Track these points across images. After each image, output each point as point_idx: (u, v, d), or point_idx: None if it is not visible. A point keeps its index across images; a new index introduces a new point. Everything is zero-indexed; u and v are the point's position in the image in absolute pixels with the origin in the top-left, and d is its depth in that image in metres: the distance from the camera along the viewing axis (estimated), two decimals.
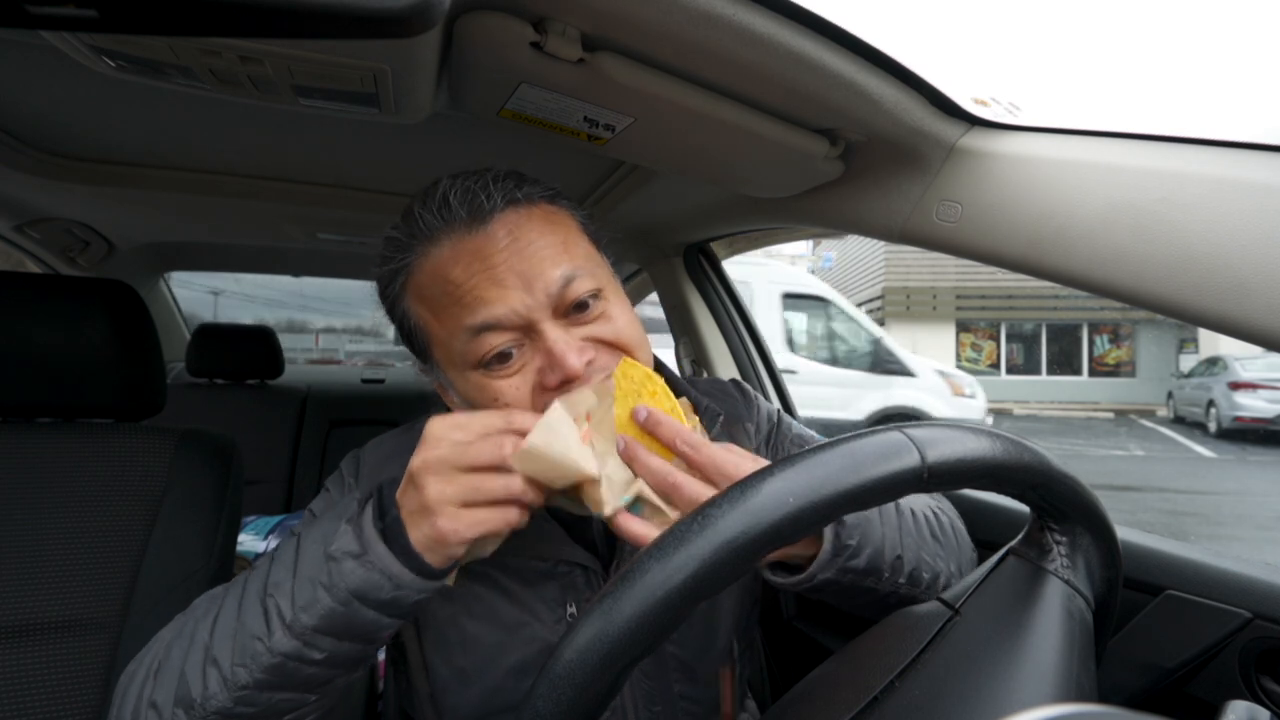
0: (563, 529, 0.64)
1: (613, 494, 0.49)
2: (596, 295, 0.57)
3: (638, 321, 0.62)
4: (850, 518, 0.54)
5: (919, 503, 0.65)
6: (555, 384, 0.54)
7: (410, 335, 0.60)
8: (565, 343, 0.53)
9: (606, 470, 0.49)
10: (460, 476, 0.47)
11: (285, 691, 0.49)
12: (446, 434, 0.48)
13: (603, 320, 0.58)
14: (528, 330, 0.54)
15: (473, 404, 0.58)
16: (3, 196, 1.28)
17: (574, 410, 0.50)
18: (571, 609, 0.63)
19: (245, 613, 0.49)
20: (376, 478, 0.61)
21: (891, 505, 0.59)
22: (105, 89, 0.87)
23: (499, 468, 0.47)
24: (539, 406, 0.53)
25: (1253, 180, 0.54)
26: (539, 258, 0.54)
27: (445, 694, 0.63)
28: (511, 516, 0.48)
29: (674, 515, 0.49)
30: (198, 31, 0.26)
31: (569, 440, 0.47)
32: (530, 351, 0.55)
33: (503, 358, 0.54)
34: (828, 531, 0.53)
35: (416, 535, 0.47)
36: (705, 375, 1.55)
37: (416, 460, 0.48)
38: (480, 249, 0.54)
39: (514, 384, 0.55)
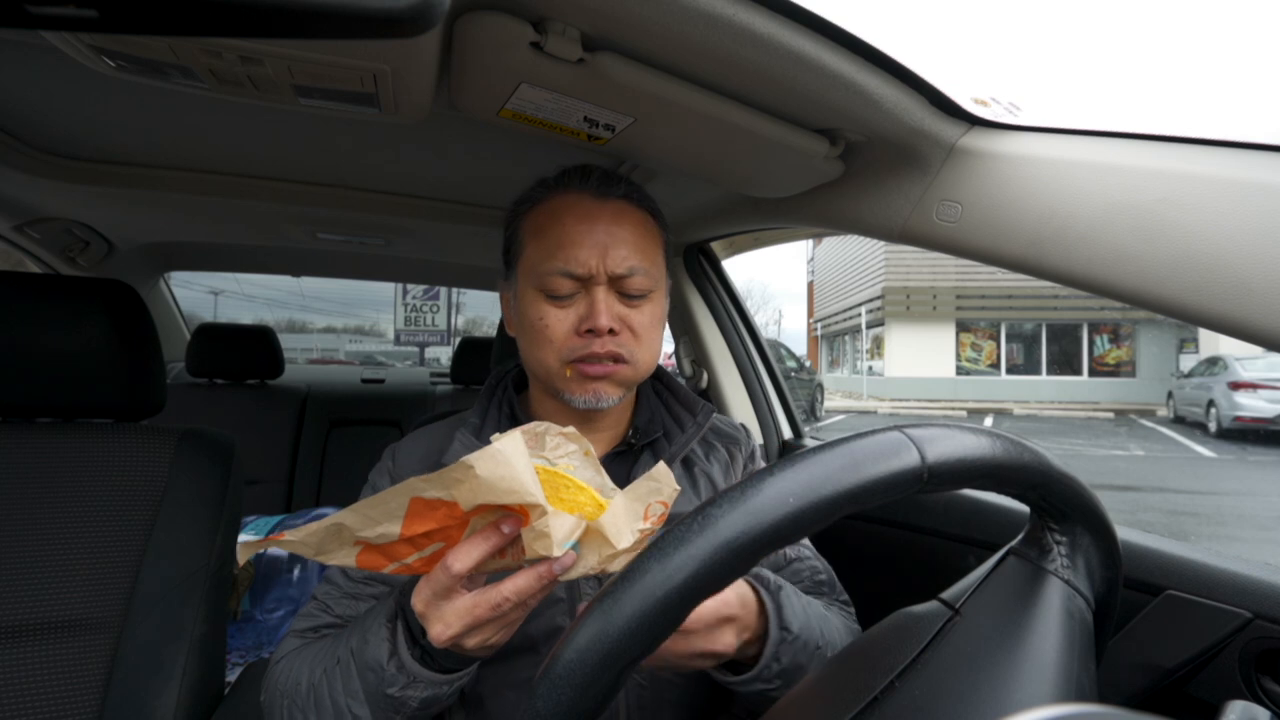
0: None
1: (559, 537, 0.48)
2: (644, 295, 0.72)
3: (660, 336, 0.76)
4: (787, 662, 0.58)
5: (843, 634, 0.68)
6: (584, 330, 0.68)
7: (509, 246, 0.76)
8: (604, 305, 0.68)
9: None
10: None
11: None
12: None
13: (637, 313, 0.71)
14: (587, 284, 0.69)
15: (525, 316, 0.72)
16: (3, 196, 1.28)
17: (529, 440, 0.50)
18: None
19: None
20: (412, 466, 0.73)
21: (835, 637, 0.65)
22: (105, 89, 0.87)
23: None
24: (564, 346, 0.69)
25: (1253, 180, 0.54)
26: (623, 242, 0.70)
27: None
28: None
29: (620, 546, 0.48)
30: (198, 31, 0.26)
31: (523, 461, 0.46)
32: (581, 299, 0.70)
33: (562, 295, 0.69)
34: (762, 660, 0.58)
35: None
36: (706, 378, 1.55)
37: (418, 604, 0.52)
38: (593, 212, 0.70)
39: (558, 316, 0.69)
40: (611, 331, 0.68)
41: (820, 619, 0.65)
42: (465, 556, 0.48)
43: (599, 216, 0.70)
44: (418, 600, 0.51)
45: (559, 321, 0.69)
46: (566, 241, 0.68)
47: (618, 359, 0.69)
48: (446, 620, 0.49)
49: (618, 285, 0.70)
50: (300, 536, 0.47)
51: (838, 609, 0.75)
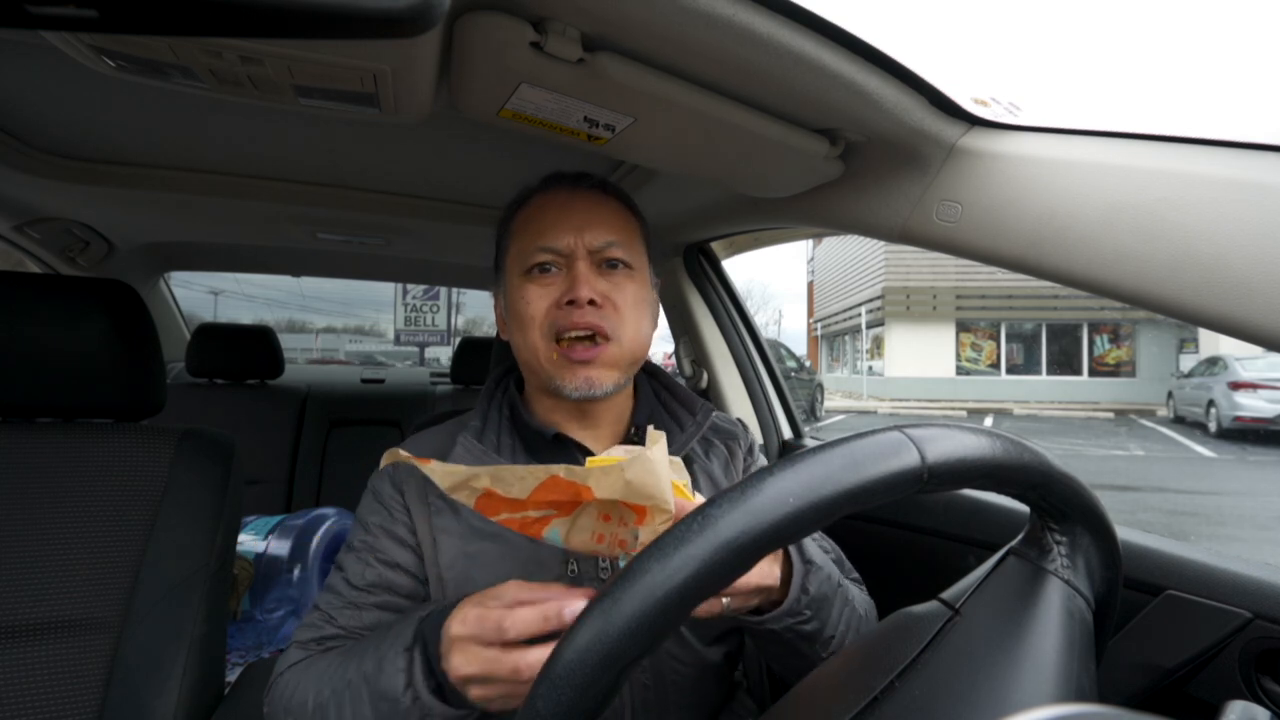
0: None
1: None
2: (626, 265, 0.73)
3: (645, 319, 0.75)
4: (815, 591, 0.61)
5: (866, 605, 0.71)
6: (565, 303, 0.69)
7: (498, 248, 0.79)
8: (586, 276, 0.70)
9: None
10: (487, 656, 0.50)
11: None
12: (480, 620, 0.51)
13: (617, 289, 0.72)
14: (568, 261, 0.71)
15: (511, 304, 0.73)
16: (3, 196, 1.28)
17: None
18: (573, 566, 0.67)
19: None
20: (414, 471, 0.70)
21: (855, 601, 0.67)
22: (105, 89, 0.87)
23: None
24: (545, 321, 0.69)
25: (1254, 180, 0.54)
26: (599, 221, 0.73)
27: None
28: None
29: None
30: (198, 31, 0.26)
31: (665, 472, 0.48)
32: (563, 276, 0.71)
33: (543, 269, 0.71)
34: (791, 591, 0.59)
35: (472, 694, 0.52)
36: (706, 378, 1.56)
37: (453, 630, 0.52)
38: (569, 200, 0.74)
39: (540, 293, 0.71)
40: (592, 303, 0.69)
41: (831, 566, 0.67)
42: (523, 626, 0.48)
43: (574, 202, 0.74)
44: (457, 625, 0.51)
45: (541, 298, 0.70)
46: (547, 225, 0.72)
47: (601, 335, 0.69)
48: (469, 657, 0.49)
49: (597, 256, 0.72)
50: (443, 468, 0.50)
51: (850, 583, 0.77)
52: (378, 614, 0.67)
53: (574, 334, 0.69)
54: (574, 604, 0.48)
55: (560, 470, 0.47)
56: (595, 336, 0.69)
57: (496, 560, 0.67)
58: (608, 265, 0.72)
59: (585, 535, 0.52)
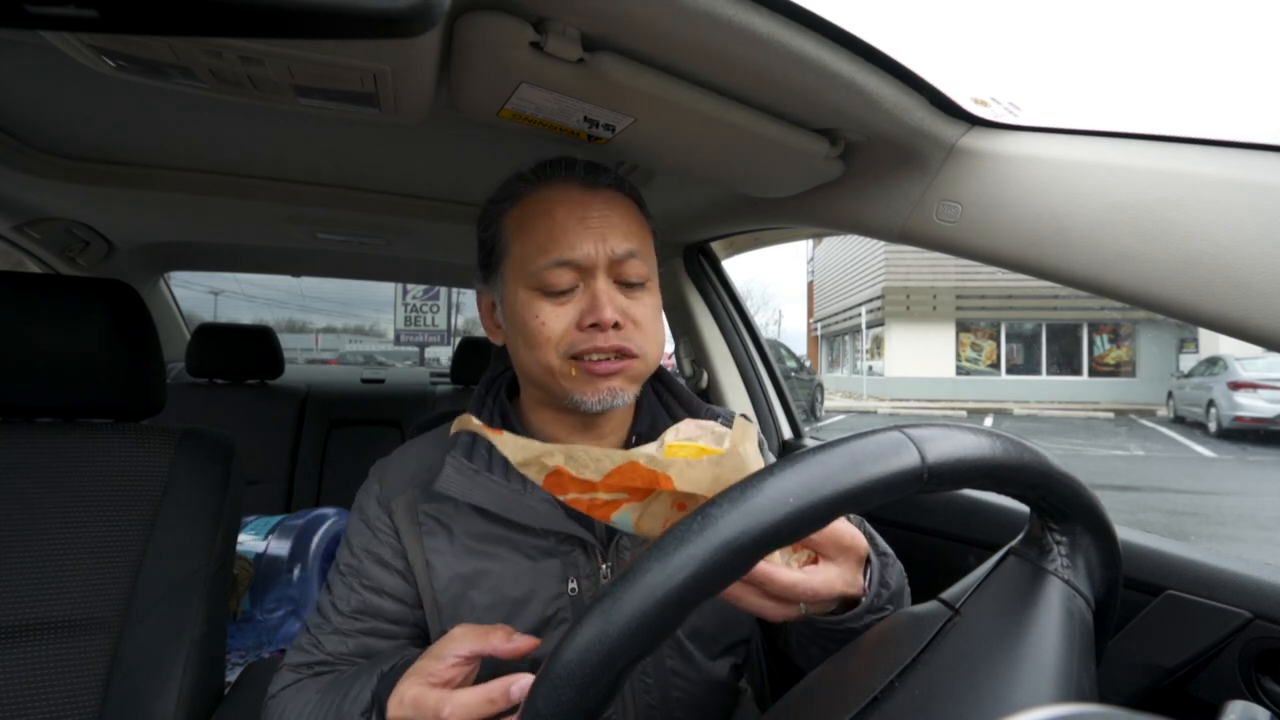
0: (562, 508, 0.65)
1: None
2: (643, 283, 0.69)
3: (662, 328, 0.72)
4: (895, 584, 0.57)
5: None
6: (587, 325, 0.64)
7: (489, 249, 0.72)
8: (608, 295, 0.65)
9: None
10: None
11: None
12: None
13: (638, 305, 0.68)
14: (587, 275, 0.65)
15: (517, 318, 0.67)
16: (3, 196, 1.28)
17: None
18: (573, 584, 0.65)
19: None
20: (401, 488, 0.69)
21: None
22: (105, 89, 0.87)
23: None
24: (566, 342, 0.64)
25: (1253, 180, 0.54)
26: (619, 228, 0.67)
27: None
28: None
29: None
30: (198, 31, 0.26)
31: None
32: (581, 294, 0.66)
33: (560, 289, 0.65)
34: (871, 588, 0.54)
35: None
36: (707, 378, 1.56)
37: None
38: (584, 201, 0.67)
39: (556, 313, 0.65)
40: (616, 326, 0.64)
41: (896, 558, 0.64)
42: (464, 713, 0.48)
43: (591, 204, 0.66)
44: (394, 706, 0.51)
45: (557, 319, 0.64)
46: (560, 232, 0.65)
47: (625, 354, 0.65)
48: None
49: (617, 272, 0.66)
50: (515, 441, 0.49)
51: None
52: (364, 640, 0.66)
53: (597, 356, 0.64)
54: (522, 681, 0.47)
55: (641, 458, 0.45)
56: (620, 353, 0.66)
57: (494, 581, 0.65)
58: (627, 285, 0.67)
59: (656, 522, 0.51)
